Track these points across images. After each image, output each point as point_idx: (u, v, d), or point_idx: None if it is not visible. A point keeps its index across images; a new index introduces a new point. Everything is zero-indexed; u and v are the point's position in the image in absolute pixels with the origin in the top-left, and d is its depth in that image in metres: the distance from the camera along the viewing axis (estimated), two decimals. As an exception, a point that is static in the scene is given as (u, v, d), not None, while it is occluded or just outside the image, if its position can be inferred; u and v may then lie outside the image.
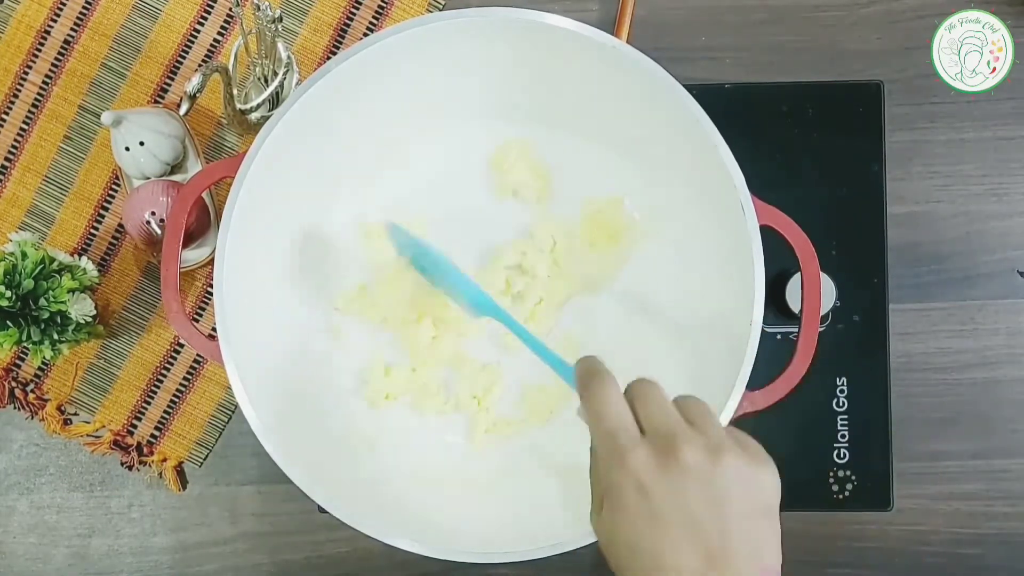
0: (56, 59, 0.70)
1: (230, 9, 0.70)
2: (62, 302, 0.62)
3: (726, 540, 0.40)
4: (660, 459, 0.41)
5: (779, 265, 0.63)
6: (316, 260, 0.67)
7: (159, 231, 0.64)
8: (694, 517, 0.40)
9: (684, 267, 0.65)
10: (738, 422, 0.57)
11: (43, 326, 0.62)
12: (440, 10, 0.71)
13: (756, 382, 0.57)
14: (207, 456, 0.71)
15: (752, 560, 0.41)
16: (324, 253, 0.67)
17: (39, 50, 0.70)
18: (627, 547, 0.42)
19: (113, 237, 0.71)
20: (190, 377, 0.71)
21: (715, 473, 0.41)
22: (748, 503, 0.41)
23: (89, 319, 0.64)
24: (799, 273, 0.59)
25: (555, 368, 0.51)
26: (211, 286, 0.65)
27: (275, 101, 0.68)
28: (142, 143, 0.65)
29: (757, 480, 0.42)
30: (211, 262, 0.64)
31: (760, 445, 0.43)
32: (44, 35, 0.70)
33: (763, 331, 0.57)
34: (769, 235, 0.58)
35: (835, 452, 0.70)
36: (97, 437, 0.70)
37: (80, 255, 0.67)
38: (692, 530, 0.40)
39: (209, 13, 0.71)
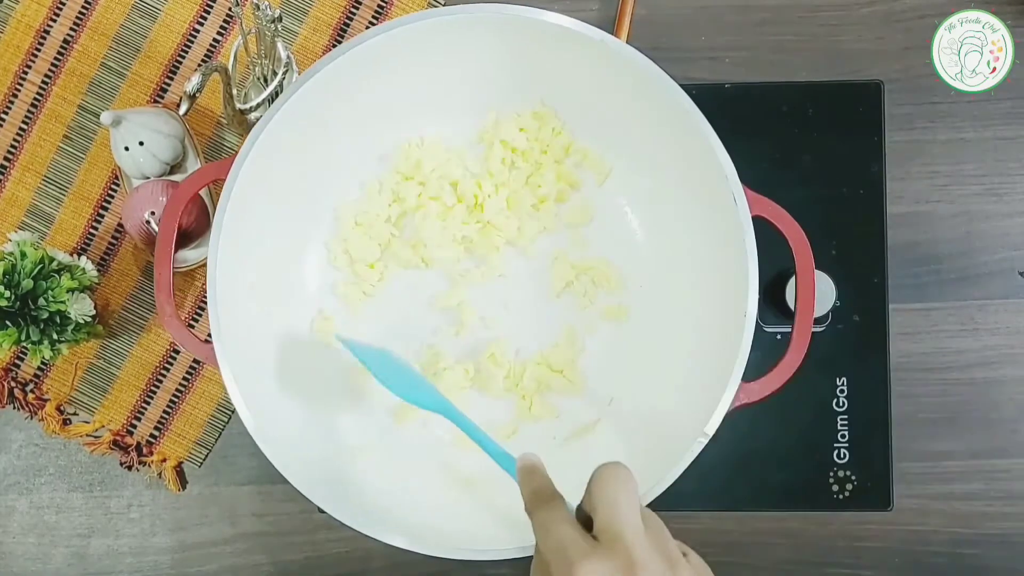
0: (55, 59, 0.70)
1: (230, 9, 0.70)
2: (61, 302, 0.62)
3: None
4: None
5: (779, 265, 0.63)
6: (310, 259, 0.67)
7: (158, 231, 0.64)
8: None
9: (679, 259, 0.65)
10: (735, 415, 0.57)
11: (42, 326, 0.62)
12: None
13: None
14: (207, 456, 0.71)
15: None
16: (319, 251, 0.67)
17: (38, 50, 0.70)
18: None
19: (113, 237, 0.71)
20: (189, 377, 0.71)
21: None
22: None
23: (88, 319, 0.64)
24: (798, 272, 0.59)
25: (504, 467, 0.52)
26: (210, 286, 0.64)
27: (275, 101, 0.68)
28: (141, 143, 0.65)
29: None
30: (210, 262, 0.64)
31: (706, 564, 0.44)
32: (43, 35, 0.70)
33: (763, 331, 0.57)
34: (768, 235, 0.58)
35: (835, 452, 0.69)
36: (96, 437, 0.70)
37: (80, 255, 0.67)
38: None
39: (209, 13, 0.71)
